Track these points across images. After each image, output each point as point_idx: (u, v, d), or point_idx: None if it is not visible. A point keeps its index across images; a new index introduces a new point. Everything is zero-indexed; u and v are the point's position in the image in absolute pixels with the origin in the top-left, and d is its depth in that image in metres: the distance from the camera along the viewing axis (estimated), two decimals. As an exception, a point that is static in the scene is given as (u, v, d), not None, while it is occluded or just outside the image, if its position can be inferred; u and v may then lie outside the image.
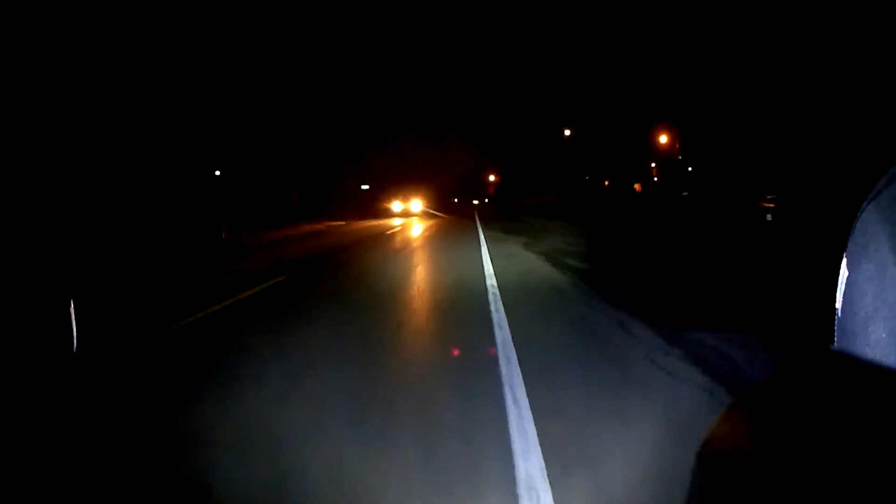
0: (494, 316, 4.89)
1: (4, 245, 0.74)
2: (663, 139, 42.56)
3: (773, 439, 0.29)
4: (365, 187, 60.39)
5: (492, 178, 77.10)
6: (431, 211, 34.31)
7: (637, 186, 55.53)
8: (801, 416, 0.29)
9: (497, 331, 4.37)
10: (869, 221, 0.44)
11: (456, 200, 74.22)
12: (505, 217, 25.21)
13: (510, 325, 4.51)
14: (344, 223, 22.33)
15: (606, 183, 62.00)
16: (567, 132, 46.25)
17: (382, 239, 14.51)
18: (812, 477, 0.26)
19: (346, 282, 7.71)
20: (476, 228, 17.32)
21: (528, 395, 2.92)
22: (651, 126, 43.95)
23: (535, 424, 2.56)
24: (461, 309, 5.45)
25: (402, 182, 31.99)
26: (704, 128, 32.53)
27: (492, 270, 7.75)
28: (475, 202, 75.88)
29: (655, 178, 54.08)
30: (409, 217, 27.86)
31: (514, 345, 3.93)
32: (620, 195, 44.25)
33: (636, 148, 49.87)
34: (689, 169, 48.18)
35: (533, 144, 67.20)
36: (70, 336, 0.83)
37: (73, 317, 0.84)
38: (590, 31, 54.00)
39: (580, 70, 55.34)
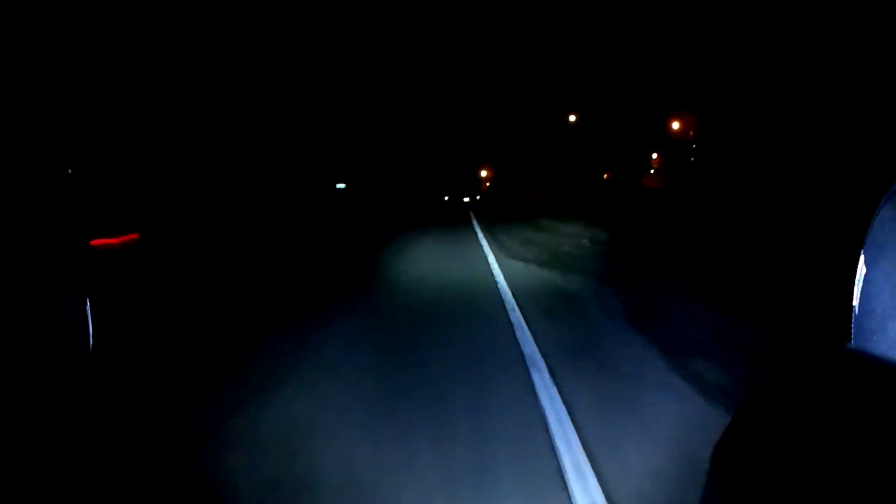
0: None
1: (26, 248, 0.75)
2: (675, 126, 35.05)
3: (789, 439, 0.27)
4: (341, 186, 50.33)
5: (484, 173, 68.55)
6: None
7: (643, 180, 48.88)
8: (817, 416, 0.27)
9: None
10: (886, 219, 0.43)
11: (447, 199, 68.34)
12: (511, 218, 17.37)
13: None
14: None
15: (606, 176, 55.18)
16: (573, 118, 37.25)
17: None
18: (828, 478, 0.25)
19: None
20: (483, 252, 9.57)
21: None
22: (665, 113, 36.31)
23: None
24: None
25: None
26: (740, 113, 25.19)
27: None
28: (466, 199, 69.84)
29: (652, 171, 47.40)
30: None
31: None
32: (637, 190, 35.36)
33: (647, 138, 41.96)
34: (692, 159, 41.63)
35: (530, 135, 59.42)
36: (87, 334, 0.83)
37: (89, 316, 0.84)
38: (595, 7, 46.26)
39: (584, 51, 47.51)
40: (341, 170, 51.54)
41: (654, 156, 48.39)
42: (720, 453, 0.35)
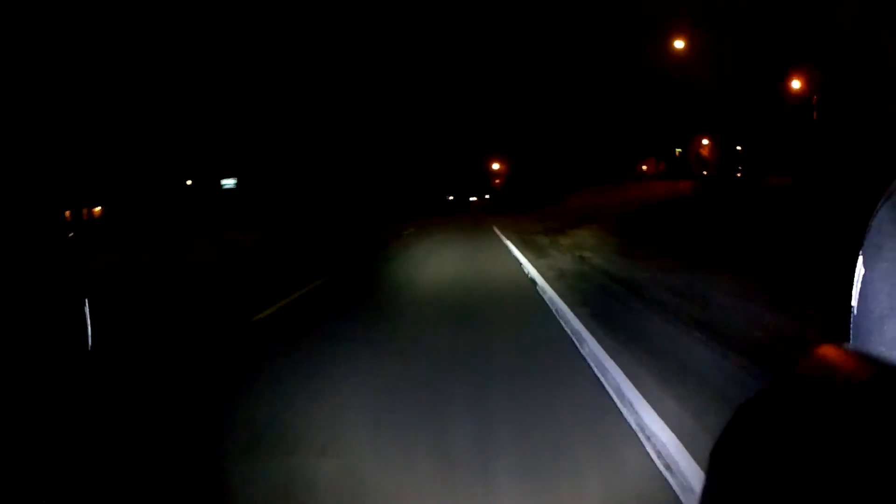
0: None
1: (22, 249, 0.76)
2: (796, 84, 23.20)
3: (788, 440, 0.27)
4: (228, 183, 36.37)
5: (496, 166, 59.70)
6: None
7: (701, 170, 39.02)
8: (816, 416, 0.28)
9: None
10: (884, 219, 0.43)
11: (451, 198, 60.95)
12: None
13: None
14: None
15: (662, 166, 48.39)
16: (680, 43, 22.85)
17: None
18: (825, 479, 0.25)
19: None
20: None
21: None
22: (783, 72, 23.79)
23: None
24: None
25: None
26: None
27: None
28: (473, 199, 60.18)
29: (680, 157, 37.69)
30: None
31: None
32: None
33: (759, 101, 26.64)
34: (738, 148, 31.41)
35: (563, 111, 46.91)
36: (85, 335, 0.82)
37: (87, 316, 0.83)
38: None
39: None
40: (233, 161, 34.40)
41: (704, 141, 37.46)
42: (719, 454, 0.34)
